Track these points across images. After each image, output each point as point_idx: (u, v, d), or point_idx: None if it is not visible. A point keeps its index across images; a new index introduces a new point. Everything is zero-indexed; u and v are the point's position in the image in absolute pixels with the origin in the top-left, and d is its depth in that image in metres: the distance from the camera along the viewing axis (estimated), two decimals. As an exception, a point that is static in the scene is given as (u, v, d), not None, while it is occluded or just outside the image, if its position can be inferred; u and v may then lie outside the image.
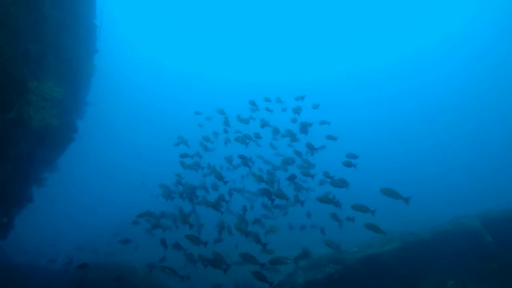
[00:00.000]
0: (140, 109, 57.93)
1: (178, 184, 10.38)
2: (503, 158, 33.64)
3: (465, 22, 47.86)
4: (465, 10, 46.79)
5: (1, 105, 6.72)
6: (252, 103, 10.85)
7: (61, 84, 10.00)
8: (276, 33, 56.63)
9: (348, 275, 8.30)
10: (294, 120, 10.52)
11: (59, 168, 15.68)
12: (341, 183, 7.95)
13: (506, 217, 9.39)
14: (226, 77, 60.96)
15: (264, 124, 10.34)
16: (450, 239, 8.76)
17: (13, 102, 6.91)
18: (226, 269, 7.02)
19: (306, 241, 9.90)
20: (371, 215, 7.51)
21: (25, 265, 15.33)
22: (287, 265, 9.41)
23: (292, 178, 8.03)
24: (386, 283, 8.14)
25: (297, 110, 10.12)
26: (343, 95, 56.54)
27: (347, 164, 8.06)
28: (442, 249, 8.63)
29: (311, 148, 8.91)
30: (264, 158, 12.55)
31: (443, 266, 8.44)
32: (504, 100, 45.51)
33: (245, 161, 8.38)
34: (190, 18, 55.27)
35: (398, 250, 8.58)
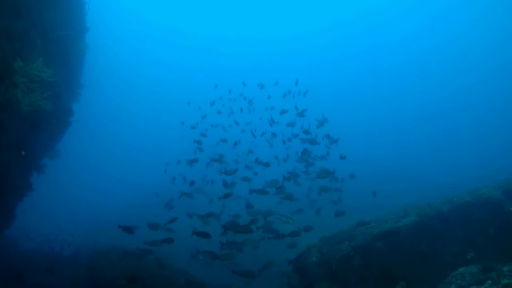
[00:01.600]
0: (138, 80, 56.23)
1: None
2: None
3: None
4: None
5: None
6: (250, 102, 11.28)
7: (51, 64, 9.30)
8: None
9: (365, 252, 8.02)
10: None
11: (58, 153, 15.24)
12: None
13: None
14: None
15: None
16: (469, 211, 8.41)
17: (-3, 85, 6.33)
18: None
19: (318, 221, 9.57)
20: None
21: (34, 252, 15.32)
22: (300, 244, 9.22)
23: (305, 152, 7.71)
24: (404, 258, 7.87)
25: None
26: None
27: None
28: (461, 221, 8.30)
29: (329, 138, 9.58)
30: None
31: (462, 238, 8.15)
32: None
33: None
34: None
35: (416, 224, 8.26)
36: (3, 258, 12.66)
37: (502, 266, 6.55)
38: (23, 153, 8.80)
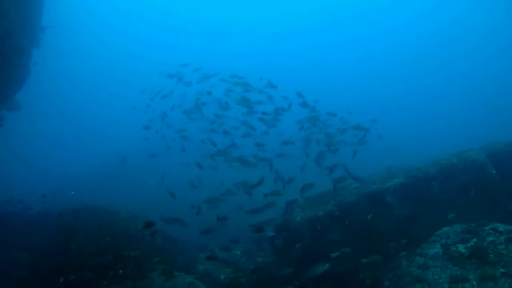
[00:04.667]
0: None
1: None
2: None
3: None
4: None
5: None
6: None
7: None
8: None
9: (351, 212, 7.89)
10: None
11: (19, 106, 13.70)
12: None
13: (510, 148, 9.05)
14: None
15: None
16: (454, 173, 8.36)
17: None
18: None
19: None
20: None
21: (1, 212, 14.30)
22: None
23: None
24: (389, 219, 7.83)
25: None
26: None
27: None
28: (446, 183, 8.27)
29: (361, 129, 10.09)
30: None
31: (445, 200, 8.17)
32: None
33: None
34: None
35: (403, 185, 8.15)
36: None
37: (483, 225, 6.61)
38: None
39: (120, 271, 7.02)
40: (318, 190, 8.98)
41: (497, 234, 5.93)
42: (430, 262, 5.78)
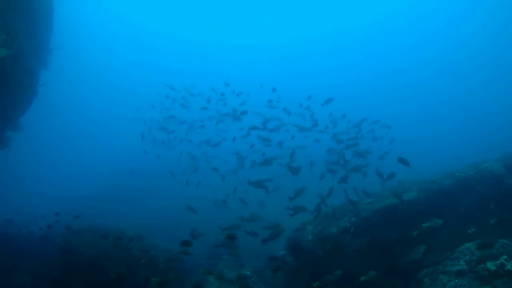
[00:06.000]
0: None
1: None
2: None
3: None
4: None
5: None
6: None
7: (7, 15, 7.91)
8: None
9: (365, 228, 7.56)
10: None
11: (21, 126, 13.66)
12: None
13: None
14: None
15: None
16: (471, 185, 8.07)
17: None
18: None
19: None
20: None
21: (3, 234, 14.05)
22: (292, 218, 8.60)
23: None
24: (404, 234, 7.48)
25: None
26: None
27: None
28: (463, 196, 7.96)
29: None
30: None
31: (464, 214, 7.83)
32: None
33: None
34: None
35: (418, 199, 7.85)
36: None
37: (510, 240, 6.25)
38: None
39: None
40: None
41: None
42: (456, 280, 5.42)
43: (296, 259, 7.99)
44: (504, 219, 7.31)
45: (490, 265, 5.25)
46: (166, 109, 14.95)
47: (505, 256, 5.37)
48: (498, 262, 5.30)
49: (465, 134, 32.90)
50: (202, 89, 15.06)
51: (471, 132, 33.35)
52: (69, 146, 40.57)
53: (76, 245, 9.74)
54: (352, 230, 7.54)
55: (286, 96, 13.24)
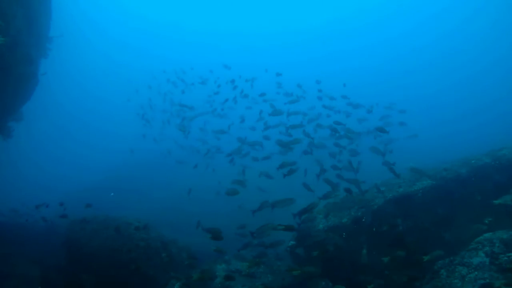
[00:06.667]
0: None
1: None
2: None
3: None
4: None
5: None
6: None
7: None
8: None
9: (377, 218, 7.32)
10: None
11: (22, 117, 13.47)
12: None
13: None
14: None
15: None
16: (488, 173, 7.75)
17: None
18: None
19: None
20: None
21: (10, 224, 14.09)
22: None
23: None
24: (419, 224, 7.23)
25: None
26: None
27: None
28: (479, 184, 7.66)
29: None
30: None
31: (480, 202, 7.54)
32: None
33: None
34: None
35: (432, 188, 7.56)
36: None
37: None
38: None
39: None
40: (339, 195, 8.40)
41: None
42: (476, 273, 5.18)
43: (306, 250, 7.80)
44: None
45: (515, 257, 4.98)
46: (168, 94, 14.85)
47: (530, 248, 5.10)
48: (523, 254, 5.03)
49: (469, 121, 32.24)
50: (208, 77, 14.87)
51: (476, 120, 32.65)
52: (68, 136, 40.53)
53: (82, 235, 9.66)
54: (364, 220, 7.31)
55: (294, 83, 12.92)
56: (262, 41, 54.09)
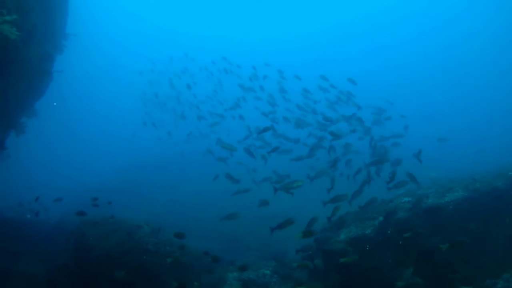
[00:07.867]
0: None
1: None
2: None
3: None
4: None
5: None
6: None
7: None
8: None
9: (403, 230, 6.78)
10: None
11: (35, 112, 13.34)
12: None
13: None
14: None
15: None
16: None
17: None
18: None
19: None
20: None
21: (18, 221, 13.96)
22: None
23: None
24: (451, 238, 6.66)
25: None
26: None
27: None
28: (516, 198, 7.04)
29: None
30: None
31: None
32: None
33: None
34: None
35: (464, 200, 6.99)
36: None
37: None
38: None
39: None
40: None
41: None
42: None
43: (325, 261, 7.30)
44: None
45: None
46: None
47: None
48: None
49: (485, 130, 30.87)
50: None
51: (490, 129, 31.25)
52: (72, 136, 40.68)
53: (91, 237, 9.39)
54: (389, 232, 6.78)
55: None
56: (268, 46, 53.91)
